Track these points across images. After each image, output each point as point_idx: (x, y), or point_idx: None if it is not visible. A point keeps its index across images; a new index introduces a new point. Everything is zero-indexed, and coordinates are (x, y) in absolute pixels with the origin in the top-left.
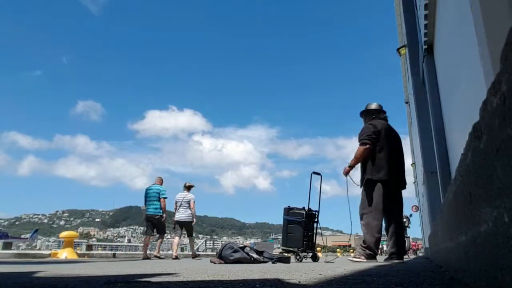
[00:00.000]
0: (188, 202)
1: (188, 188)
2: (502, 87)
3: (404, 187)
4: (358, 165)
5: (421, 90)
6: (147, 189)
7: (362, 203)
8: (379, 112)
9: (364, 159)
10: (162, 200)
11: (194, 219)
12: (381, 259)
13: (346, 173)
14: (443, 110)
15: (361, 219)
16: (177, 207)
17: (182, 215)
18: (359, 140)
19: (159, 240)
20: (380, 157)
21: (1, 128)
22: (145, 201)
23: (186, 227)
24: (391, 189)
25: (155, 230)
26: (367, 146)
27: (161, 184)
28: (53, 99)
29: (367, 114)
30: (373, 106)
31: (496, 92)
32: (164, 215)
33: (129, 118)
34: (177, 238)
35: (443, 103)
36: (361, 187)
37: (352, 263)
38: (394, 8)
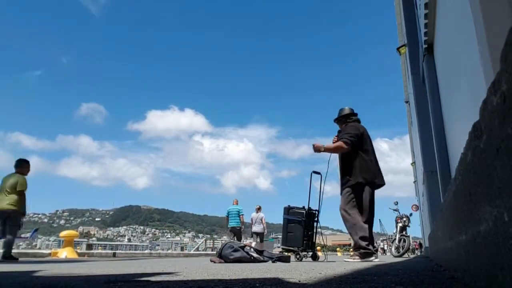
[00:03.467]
0: (261, 219)
1: (259, 209)
2: (502, 86)
3: (383, 185)
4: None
5: (421, 89)
6: (229, 208)
7: (346, 204)
8: (353, 115)
9: (342, 161)
10: (241, 216)
11: (265, 231)
12: (382, 258)
13: (317, 150)
14: (443, 109)
15: (346, 220)
16: (253, 223)
17: (257, 228)
18: (342, 137)
19: None
20: (366, 159)
21: (5, 129)
22: (227, 217)
23: (260, 236)
24: (372, 190)
25: (235, 237)
26: (347, 147)
27: (237, 204)
28: (54, 99)
29: (341, 119)
30: (346, 110)
31: (496, 91)
32: (243, 227)
33: (130, 118)
34: (254, 243)
35: (443, 102)
36: (342, 188)
37: (353, 263)
38: (394, 8)
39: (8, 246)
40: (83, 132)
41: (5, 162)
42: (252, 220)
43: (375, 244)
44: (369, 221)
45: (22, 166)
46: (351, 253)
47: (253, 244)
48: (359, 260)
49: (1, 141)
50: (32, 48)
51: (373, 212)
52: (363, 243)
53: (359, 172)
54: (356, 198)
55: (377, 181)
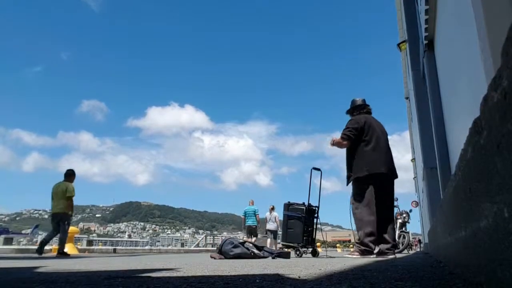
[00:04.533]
0: (275, 218)
1: (272, 208)
2: (503, 82)
3: (395, 177)
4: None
5: (421, 85)
6: (246, 209)
7: (354, 199)
8: (362, 107)
9: (347, 156)
10: (257, 216)
11: (279, 228)
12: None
13: (332, 144)
14: (444, 106)
15: (354, 215)
16: (267, 221)
17: (271, 226)
18: (341, 133)
19: (254, 239)
20: (368, 151)
21: (5, 126)
22: (245, 216)
23: (273, 233)
24: (383, 181)
25: (251, 235)
26: (344, 143)
27: (253, 204)
28: (54, 95)
29: (351, 110)
30: (357, 101)
31: (497, 87)
32: (259, 225)
33: (131, 115)
34: (269, 240)
35: (444, 99)
36: (347, 184)
37: (352, 259)
38: (394, 3)
39: (62, 243)
40: (84, 129)
41: (6, 159)
42: (266, 218)
43: (396, 240)
44: (382, 214)
45: (70, 175)
46: (351, 249)
47: (269, 241)
48: (359, 256)
49: (1, 138)
50: (31, 44)
51: (386, 204)
52: (367, 239)
53: (360, 166)
54: (363, 192)
55: (383, 170)
